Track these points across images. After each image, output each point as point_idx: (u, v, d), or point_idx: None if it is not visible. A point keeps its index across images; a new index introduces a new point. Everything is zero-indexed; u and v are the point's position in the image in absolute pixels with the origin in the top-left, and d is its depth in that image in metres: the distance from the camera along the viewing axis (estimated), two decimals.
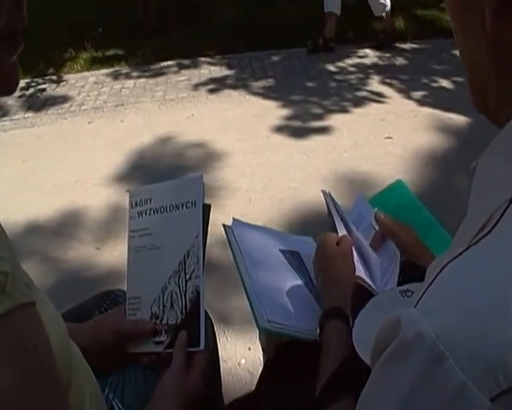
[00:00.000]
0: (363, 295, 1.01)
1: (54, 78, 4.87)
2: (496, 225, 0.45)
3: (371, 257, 1.09)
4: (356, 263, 1.04)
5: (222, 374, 1.31)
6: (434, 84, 4.12)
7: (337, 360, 0.83)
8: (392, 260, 1.07)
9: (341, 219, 1.14)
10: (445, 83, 4.10)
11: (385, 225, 1.10)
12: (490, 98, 0.53)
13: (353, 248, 1.06)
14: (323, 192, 1.21)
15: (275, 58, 4.84)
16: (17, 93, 4.60)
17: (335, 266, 1.02)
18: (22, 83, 4.79)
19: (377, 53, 4.81)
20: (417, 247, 1.05)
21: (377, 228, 1.14)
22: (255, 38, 5.17)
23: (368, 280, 1.03)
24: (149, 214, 0.99)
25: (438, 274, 0.45)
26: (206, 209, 0.95)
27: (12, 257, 0.57)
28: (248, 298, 1.05)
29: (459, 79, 4.01)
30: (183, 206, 0.96)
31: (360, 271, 1.03)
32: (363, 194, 1.29)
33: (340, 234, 1.08)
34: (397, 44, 4.91)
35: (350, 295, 0.98)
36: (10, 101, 4.47)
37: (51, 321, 0.66)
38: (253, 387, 1.18)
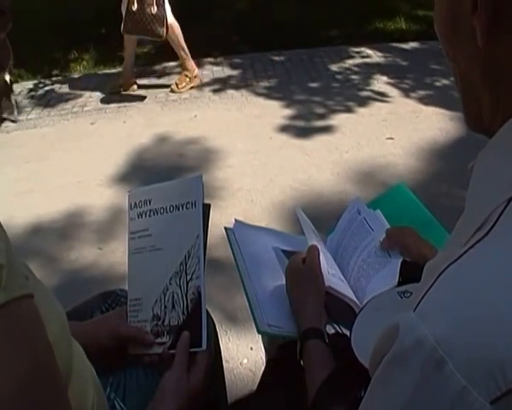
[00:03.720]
0: (336, 301, 1.03)
1: (56, 79, 4.88)
2: (494, 225, 0.45)
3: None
4: (325, 273, 1.04)
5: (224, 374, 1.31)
6: (435, 85, 4.12)
7: (320, 377, 0.84)
8: (386, 263, 1.08)
9: (312, 232, 1.17)
10: (446, 83, 4.10)
11: (390, 236, 1.11)
12: (484, 112, 0.54)
13: (321, 258, 1.06)
14: (297, 209, 1.26)
15: (277, 59, 4.85)
16: (19, 94, 4.61)
17: (304, 286, 1.03)
18: (25, 84, 4.80)
19: (379, 53, 4.81)
20: (423, 245, 1.05)
21: (375, 230, 1.15)
22: (257, 38, 5.17)
23: (337, 288, 1.04)
24: (149, 215, 0.99)
25: (437, 279, 0.45)
26: (206, 209, 0.95)
27: (8, 249, 0.57)
28: (249, 302, 1.05)
29: None
30: (182, 206, 0.96)
31: (329, 280, 1.04)
32: (358, 197, 1.30)
33: (310, 243, 1.10)
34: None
35: (323, 309, 1.00)
36: (12, 102, 4.48)
37: (50, 311, 0.66)
38: (255, 386, 1.18)
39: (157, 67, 4.92)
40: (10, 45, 0.65)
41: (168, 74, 4.76)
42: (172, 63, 4.95)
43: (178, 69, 4.83)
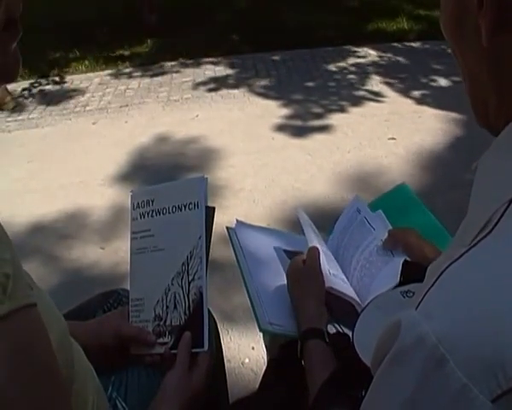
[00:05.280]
0: (338, 301, 1.03)
1: (58, 78, 4.89)
2: (495, 226, 0.45)
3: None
4: (325, 274, 1.04)
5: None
6: (437, 85, 4.12)
7: (321, 377, 0.84)
8: (389, 261, 1.08)
9: (313, 232, 1.16)
10: (448, 83, 4.10)
11: (393, 236, 1.11)
12: (490, 111, 0.54)
13: (321, 259, 1.07)
14: (297, 210, 1.26)
15: (278, 59, 4.85)
16: (21, 94, 4.62)
17: (304, 285, 1.03)
18: (27, 83, 4.81)
19: (381, 53, 4.81)
20: (425, 246, 1.05)
21: (376, 229, 1.15)
22: (258, 38, 5.18)
23: (338, 288, 1.04)
24: (152, 216, 0.99)
25: (438, 277, 0.45)
26: (210, 212, 0.95)
27: (13, 258, 0.57)
28: (250, 300, 1.06)
29: None
30: (185, 207, 0.95)
31: (330, 281, 1.04)
32: (358, 195, 1.30)
33: (310, 245, 1.10)
34: None
35: (324, 309, 1.00)
36: (15, 101, 4.49)
37: (52, 320, 0.66)
38: (257, 386, 1.18)
39: (159, 67, 4.93)
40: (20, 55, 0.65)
41: (170, 74, 4.76)
42: (174, 62, 4.97)
43: (180, 69, 4.84)
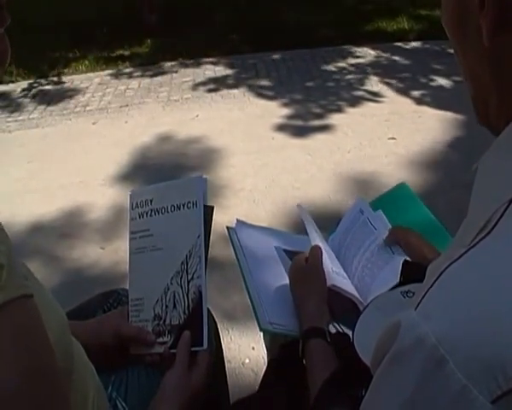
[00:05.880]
0: (340, 299, 1.03)
1: (58, 79, 4.89)
2: (495, 226, 0.45)
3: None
4: (328, 272, 1.05)
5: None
6: (438, 85, 4.12)
7: (322, 376, 0.84)
8: (389, 260, 1.08)
9: (315, 231, 1.16)
10: (448, 83, 4.10)
11: (394, 234, 1.11)
12: (491, 111, 0.54)
13: (324, 258, 1.07)
14: (299, 207, 1.26)
15: (278, 59, 4.85)
16: (22, 94, 4.62)
17: (306, 285, 1.03)
18: (26, 83, 4.81)
19: (381, 53, 4.81)
20: (425, 246, 1.05)
21: (378, 229, 1.15)
22: (258, 38, 5.18)
23: (341, 285, 1.04)
24: (150, 215, 0.99)
25: (438, 277, 0.45)
26: (209, 211, 0.95)
27: (8, 249, 0.57)
28: (251, 300, 1.06)
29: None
30: (184, 206, 0.95)
31: (332, 279, 1.04)
32: (361, 197, 1.30)
33: (313, 243, 1.10)
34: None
35: (326, 308, 1.00)
36: (15, 102, 4.50)
37: (50, 313, 0.66)
38: (257, 386, 1.18)
39: (159, 67, 4.93)
40: (9, 41, 0.65)
41: (170, 74, 4.76)
42: (174, 63, 4.97)
43: (180, 69, 4.84)
